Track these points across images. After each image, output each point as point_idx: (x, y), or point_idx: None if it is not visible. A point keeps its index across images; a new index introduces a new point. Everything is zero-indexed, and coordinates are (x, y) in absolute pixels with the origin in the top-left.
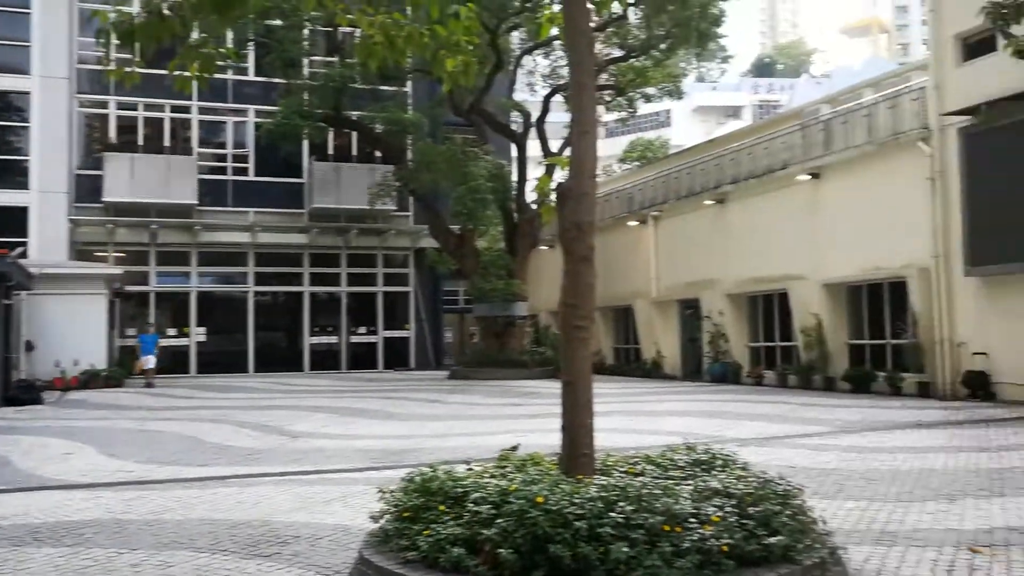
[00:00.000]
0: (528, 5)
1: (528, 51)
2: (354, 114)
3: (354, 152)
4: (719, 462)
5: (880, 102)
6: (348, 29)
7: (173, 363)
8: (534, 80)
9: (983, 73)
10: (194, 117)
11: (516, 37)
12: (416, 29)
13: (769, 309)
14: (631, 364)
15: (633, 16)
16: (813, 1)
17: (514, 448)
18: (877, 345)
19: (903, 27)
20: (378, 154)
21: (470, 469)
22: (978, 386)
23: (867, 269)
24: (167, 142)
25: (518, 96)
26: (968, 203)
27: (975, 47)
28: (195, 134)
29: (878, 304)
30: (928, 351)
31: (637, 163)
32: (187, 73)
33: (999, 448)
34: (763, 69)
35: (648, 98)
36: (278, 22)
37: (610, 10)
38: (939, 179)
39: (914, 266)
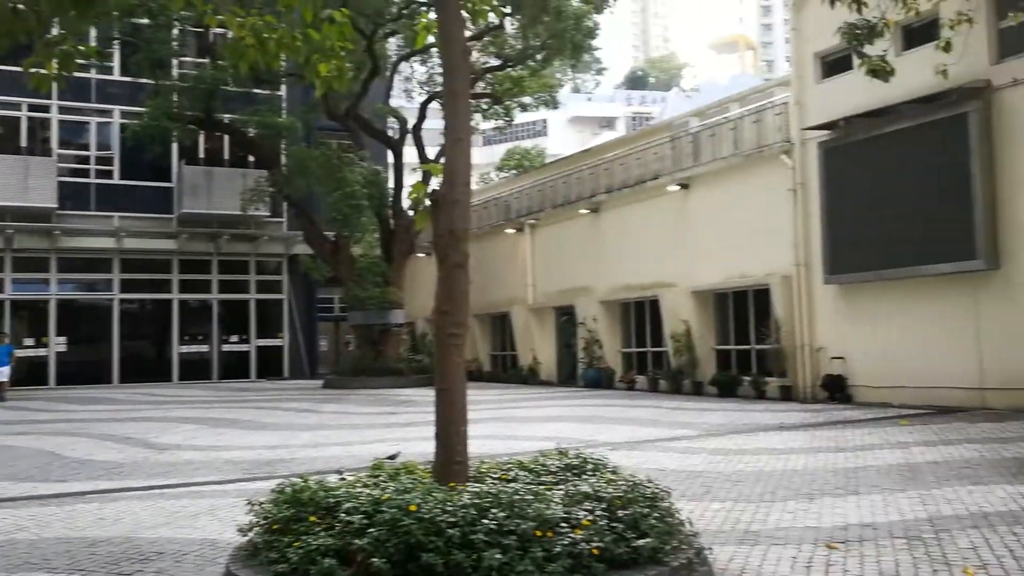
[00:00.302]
0: (405, 12)
1: (405, 58)
2: (226, 117)
3: (226, 156)
4: (590, 466)
5: (745, 116)
6: (220, 30)
7: (30, 375)
8: (411, 87)
9: (841, 90)
10: (54, 117)
11: (393, 43)
12: (288, 32)
13: (641, 316)
14: (508, 371)
15: (510, 26)
16: (683, 17)
17: (394, 456)
18: (743, 350)
19: (768, 44)
20: (251, 158)
21: (343, 479)
22: (836, 389)
23: (733, 277)
24: (24, 143)
25: (395, 102)
26: (827, 214)
27: (834, 65)
28: (55, 135)
29: (744, 311)
30: (790, 356)
31: (514, 171)
32: (44, 71)
33: (855, 448)
34: (636, 82)
35: (524, 107)
36: (145, 21)
37: (486, 20)
38: (800, 191)
39: (777, 274)
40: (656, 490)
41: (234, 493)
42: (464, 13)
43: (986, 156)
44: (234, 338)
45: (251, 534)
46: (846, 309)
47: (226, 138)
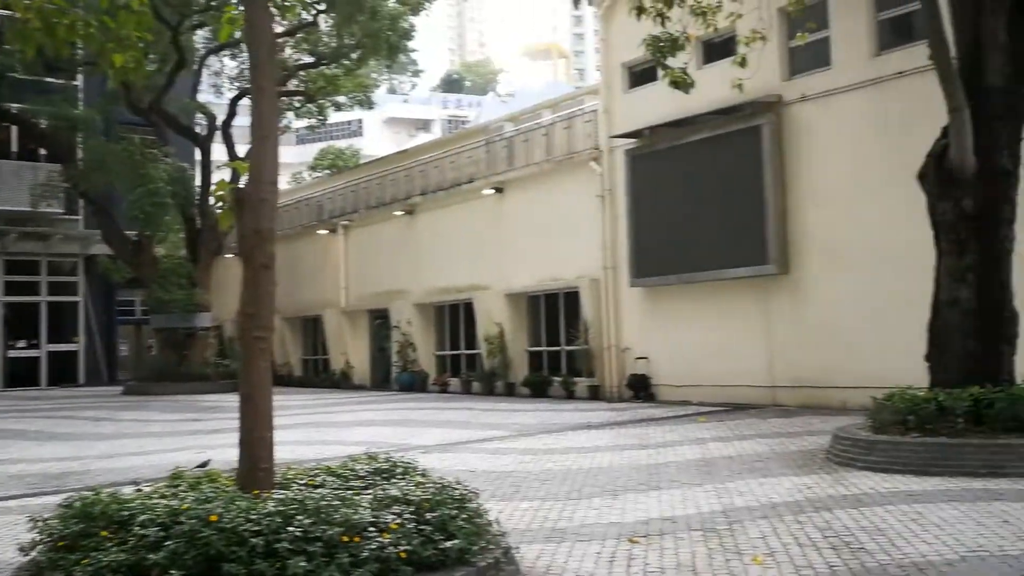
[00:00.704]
0: (213, 3)
1: (214, 51)
2: (14, 107)
3: (14, 148)
4: (399, 470)
5: (557, 122)
6: (6, 12)
7: None
8: (221, 82)
9: (647, 100)
10: None
11: (201, 36)
12: (79, 17)
13: (456, 318)
14: (320, 375)
15: (324, 23)
16: (499, 24)
17: (204, 464)
18: (553, 352)
19: (580, 53)
20: (43, 151)
21: (139, 490)
22: (640, 388)
23: (545, 280)
24: None
25: (203, 97)
26: (633, 219)
27: (640, 76)
28: None
29: (555, 313)
30: (598, 356)
31: (328, 171)
32: None
33: (657, 445)
34: (452, 85)
35: (339, 106)
36: None
37: (296, 15)
38: (608, 196)
39: (586, 277)
40: (465, 492)
41: (17, 510)
42: (273, 8)
43: (778, 167)
44: (22, 343)
45: (34, 553)
46: (651, 311)
47: (14, 129)
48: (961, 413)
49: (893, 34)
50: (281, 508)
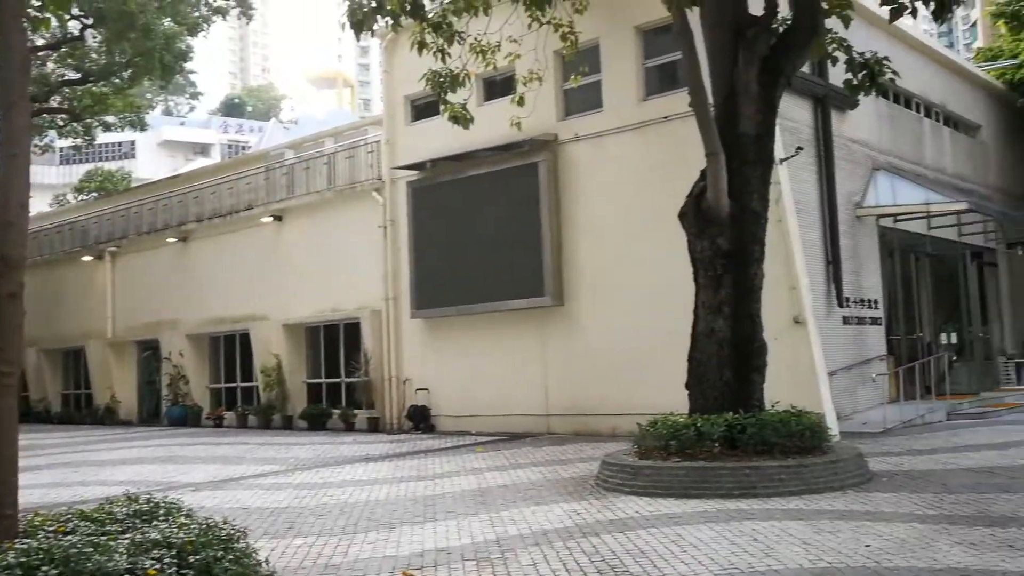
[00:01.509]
0: None
1: None
2: None
3: None
4: (162, 511)
5: (340, 152)
6: None
7: None
8: None
9: (429, 133)
10: None
11: None
12: None
13: (231, 350)
14: (82, 411)
15: (92, 39)
16: (284, 49)
17: None
18: (333, 383)
19: (366, 83)
20: None
21: None
22: (420, 419)
23: (325, 310)
24: None
25: None
26: (414, 251)
27: (423, 109)
28: None
29: (335, 344)
30: (378, 388)
31: (95, 194)
32: None
33: (434, 476)
34: (233, 109)
35: (108, 126)
36: None
37: (49, 28)
38: (390, 227)
39: (367, 308)
40: (233, 531)
41: None
42: (24, 20)
43: (554, 203)
44: None
45: None
46: (431, 342)
47: None
48: (717, 438)
49: (659, 81)
50: (23, 559)
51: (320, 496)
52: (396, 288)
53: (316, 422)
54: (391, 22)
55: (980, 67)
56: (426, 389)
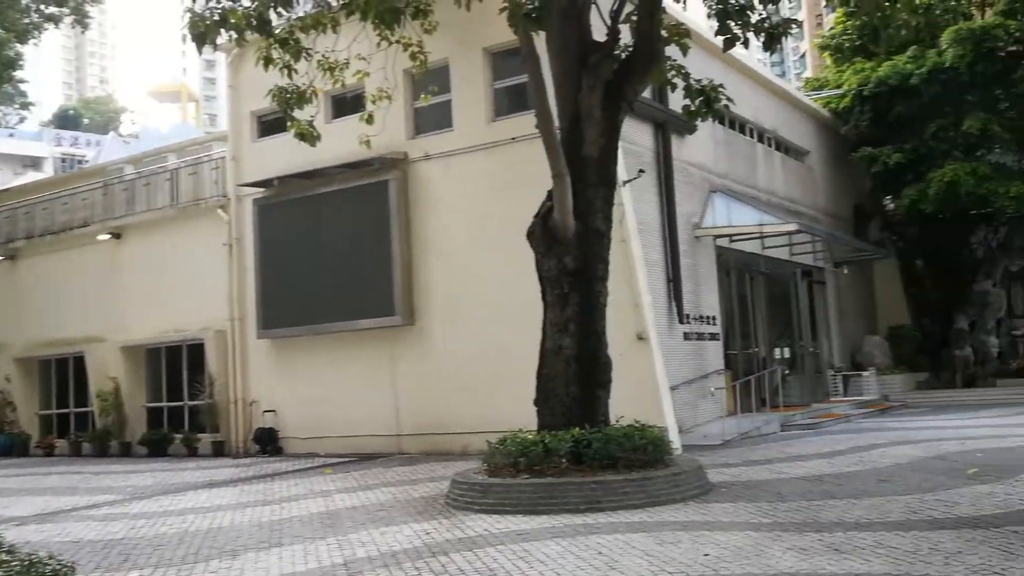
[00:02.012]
0: None
1: None
2: None
3: None
4: None
5: (183, 167)
6: None
7: None
8: None
9: (276, 149)
10: None
11: None
12: None
13: (64, 374)
14: None
15: None
16: (124, 61)
17: None
18: (175, 407)
19: (212, 98)
20: None
21: None
22: (268, 442)
23: (167, 331)
24: None
25: None
26: (261, 269)
27: (270, 125)
28: None
29: (177, 366)
30: (224, 411)
31: None
32: None
33: (281, 500)
34: (68, 121)
35: None
36: None
37: None
38: (236, 246)
39: (212, 328)
40: (59, 567)
41: None
42: None
43: (404, 221)
44: None
45: None
46: (278, 363)
47: None
48: (564, 454)
49: (508, 102)
50: None
51: (159, 525)
52: (242, 308)
53: (157, 448)
54: (235, 36)
55: (808, 96)
56: (274, 411)
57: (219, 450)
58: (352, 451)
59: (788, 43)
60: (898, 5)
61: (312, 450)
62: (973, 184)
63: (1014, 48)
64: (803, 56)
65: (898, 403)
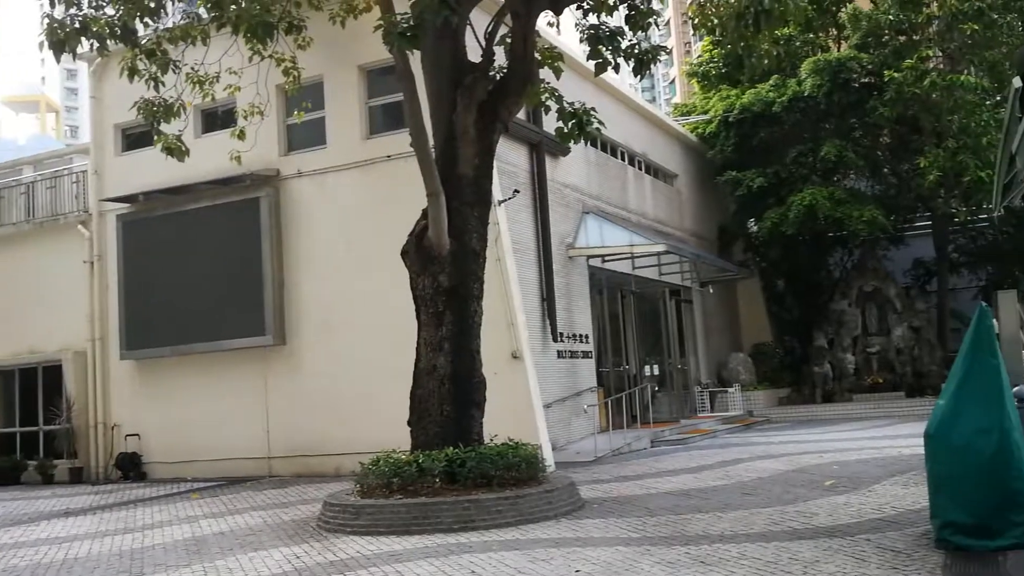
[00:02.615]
0: None
1: None
2: None
3: None
4: None
5: (41, 181)
6: None
7: None
8: None
9: (142, 164)
10: None
11: None
12: None
13: None
14: None
15: None
16: None
17: None
18: (30, 432)
19: (73, 109)
20: None
21: None
22: (130, 467)
23: (20, 353)
24: None
25: None
26: (125, 288)
27: (136, 139)
28: None
29: (31, 389)
30: (83, 435)
31: None
32: None
33: (144, 527)
34: None
35: None
36: None
37: None
38: (98, 263)
39: (71, 349)
40: None
41: None
42: None
43: (276, 239)
44: None
45: None
46: (143, 385)
47: None
48: (438, 473)
49: (383, 120)
50: None
51: (9, 558)
52: (104, 328)
53: (8, 476)
54: (97, 45)
55: (676, 121)
56: (137, 435)
57: (77, 477)
58: (221, 475)
59: (658, 69)
60: (760, 37)
61: (178, 475)
62: (830, 208)
63: (867, 80)
64: (672, 82)
65: (761, 418)
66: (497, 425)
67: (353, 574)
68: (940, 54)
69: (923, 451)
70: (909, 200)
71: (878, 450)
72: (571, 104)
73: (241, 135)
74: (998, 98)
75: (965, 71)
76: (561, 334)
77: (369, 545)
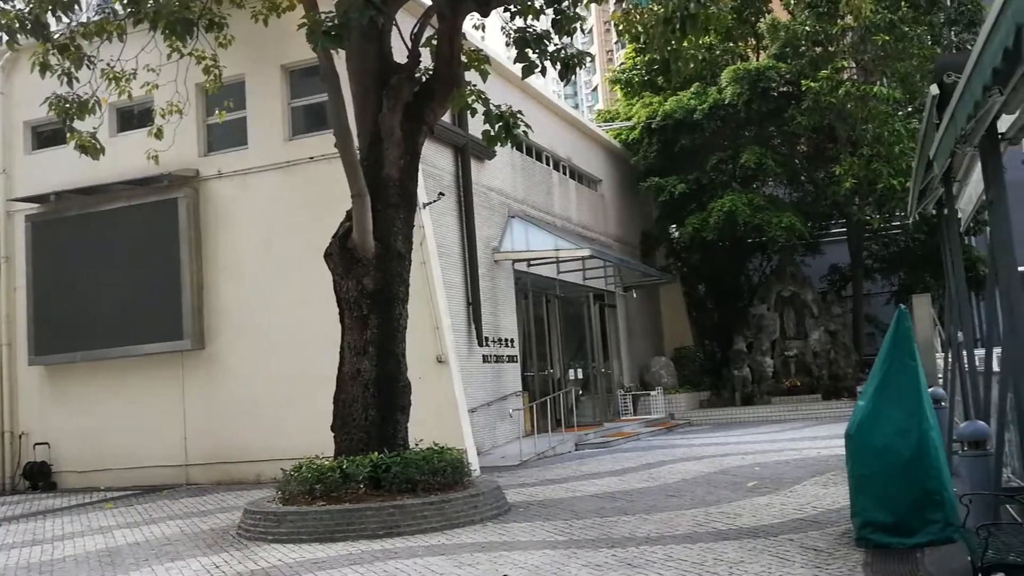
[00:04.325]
0: None
1: None
2: None
3: None
4: None
5: None
6: None
7: None
8: None
9: (54, 163)
10: None
11: None
12: None
13: None
14: None
15: None
16: None
17: None
18: None
19: None
20: None
21: None
22: (40, 477)
23: None
24: None
25: None
26: (34, 291)
27: (48, 137)
28: None
29: None
30: None
31: None
32: None
33: (53, 539)
34: None
35: None
36: None
37: None
38: (6, 265)
39: None
40: None
41: None
42: None
43: (195, 241)
44: None
45: None
46: (54, 391)
47: None
48: (362, 479)
49: (306, 120)
50: None
51: None
52: (11, 332)
53: None
54: (6, 39)
55: (600, 127)
56: (47, 443)
57: None
58: (136, 484)
59: (580, 77)
60: (685, 44)
61: (91, 484)
62: (749, 214)
63: (785, 89)
64: (595, 90)
65: (683, 421)
66: (422, 430)
67: None
68: (855, 65)
69: (842, 452)
70: (825, 207)
71: (798, 451)
72: (497, 107)
73: (159, 134)
74: (909, 109)
75: (878, 82)
76: (486, 338)
77: (291, 553)
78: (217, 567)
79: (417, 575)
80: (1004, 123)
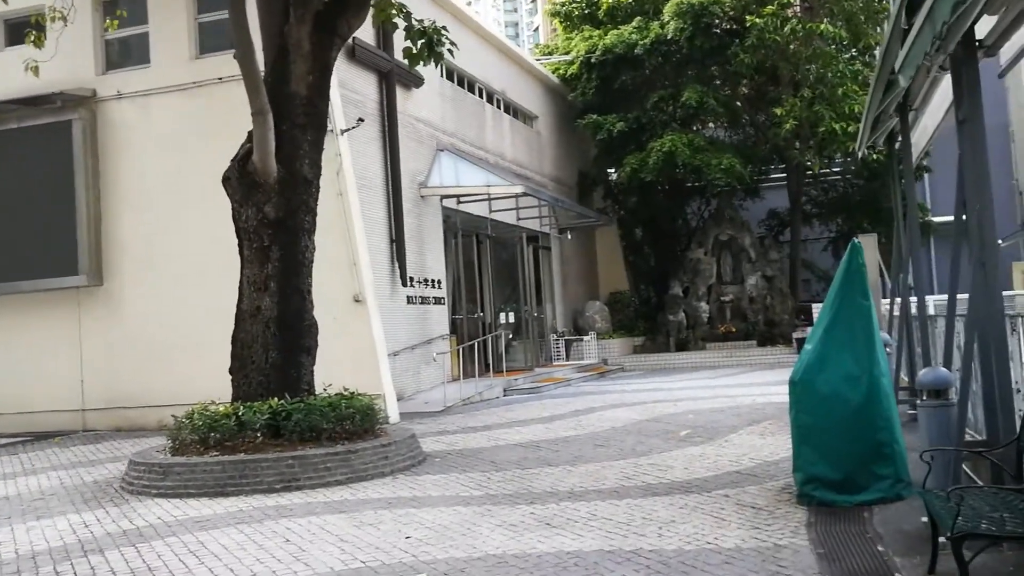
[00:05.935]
0: None
1: None
2: None
3: None
4: None
5: None
6: None
7: None
8: None
9: None
10: None
11: None
12: None
13: None
14: None
15: None
16: None
17: None
18: None
19: None
20: None
21: None
22: None
23: None
24: None
25: None
26: None
27: None
28: None
29: None
30: None
31: None
32: None
33: None
34: None
35: None
36: None
37: None
38: None
39: None
40: None
41: None
42: None
43: (92, 168)
44: None
45: None
46: None
47: None
48: (260, 427)
49: (214, 38)
50: None
51: None
52: None
53: None
54: None
55: (538, 60)
56: None
57: None
58: (28, 430)
59: (523, 15)
60: None
61: None
62: (689, 155)
63: (729, 26)
64: (536, 30)
65: (616, 366)
66: (336, 374)
67: (147, 546)
68: (800, 2)
69: (779, 400)
70: (766, 151)
71: (732, 399)
72: (420, 22)
73: (37, 41)
74: (854, 51)
75: (823, 21)
76: (411, 278)
77: (174, 510)
78: (86, 526)
79: (310, 537)
80: (982, 30)
